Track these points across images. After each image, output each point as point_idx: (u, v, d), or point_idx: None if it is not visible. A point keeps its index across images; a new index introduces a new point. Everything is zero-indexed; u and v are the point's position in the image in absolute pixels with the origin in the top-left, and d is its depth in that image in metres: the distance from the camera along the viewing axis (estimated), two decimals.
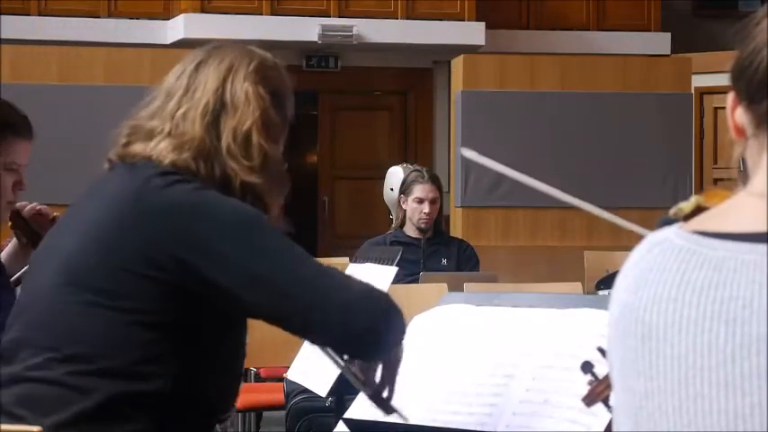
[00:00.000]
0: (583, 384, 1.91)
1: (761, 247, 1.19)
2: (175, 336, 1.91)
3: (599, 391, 1.83)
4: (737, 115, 1.31)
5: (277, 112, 2.07)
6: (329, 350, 2.04)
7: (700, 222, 1.28)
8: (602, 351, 1.66)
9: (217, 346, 1.97)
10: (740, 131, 1.31)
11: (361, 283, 1.94)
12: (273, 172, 2.04)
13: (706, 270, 1.21)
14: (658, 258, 1.26)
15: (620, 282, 1.31)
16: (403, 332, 1.95)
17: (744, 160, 1.33)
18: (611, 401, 1.35)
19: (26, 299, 2.03)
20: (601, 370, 1.84)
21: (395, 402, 2.00)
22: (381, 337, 1.92)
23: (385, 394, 2.00)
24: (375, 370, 1.99)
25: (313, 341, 2.01)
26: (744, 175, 1.32)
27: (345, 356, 2.02)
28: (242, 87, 2.03)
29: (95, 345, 1.89)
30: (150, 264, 1.88)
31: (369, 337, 1.90)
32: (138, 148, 2.01)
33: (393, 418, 2.01)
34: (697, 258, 1.22)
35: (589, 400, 1.84)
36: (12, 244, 2.89)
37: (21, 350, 1.94)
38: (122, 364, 1.88)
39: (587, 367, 1.79)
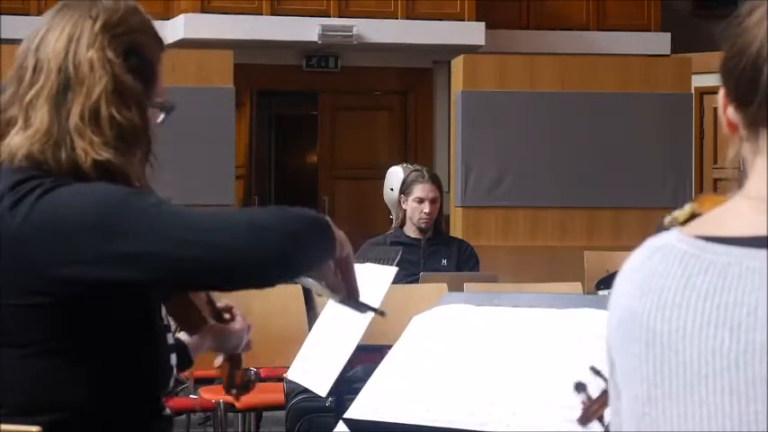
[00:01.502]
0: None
1: (763, 253, 1.19)
2: (79, 358, 1.80)
3: (593, 411, 1.83)
4: (729, 112, 1.30)
5: (133, 74, 1.86)
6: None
7: (700, 226, 1.27)
8: (594, 371, 1.65)
9: (128, 354, 1.86)
10: (733, 127, 1.31)
11: (243, 215, 1.83)
12: (136, 141, 1.85)
13: (710, 275, 1.21)
14: (661, 264, 1.25)
15: (620, 286, 1.30)
16: (325, 237, 1.85)
17: (743, 161, 1.33)
18: (610, 408, 1.35)
19: None
20: (594, 389, 1.83)
21: (365, 300, 1.95)
22: (294, 259, 1.78)
23: (349, 293, 1.92)
24: (336, 275, 1.91)
25: (230, 287, 1.89)
26: (743, 175, 1.31)
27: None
28: (85, 57, 1.84)
29: (3, 386, 1.80)
30: (25, 293, 1.77)
31: (279, 264, 1.77)
32: (2, 144, 1.86)
33: (370, 314, 1.98)
34: (701, 264, 1.22)
35: (584, 419, 1.83)
36: None
37: None
38: (35, 399, 1.80)
39: (580, 387, 1.79)
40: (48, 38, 1.88)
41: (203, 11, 9.70)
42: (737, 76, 1.27)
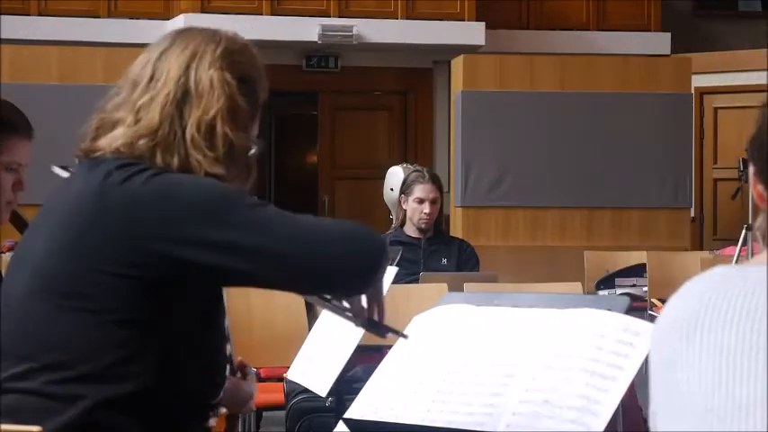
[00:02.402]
0: (582, 384, 1.91)
1: None
2: (151, 331, 1.86)
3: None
4: (759, 187, 1.43)
5: (245, 98, 1.98)
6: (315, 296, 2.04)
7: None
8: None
9: (194, 335, 1.92)
10: (763, 199, 1.44)
11: (338, 225, 1.90)
12: (239, 161, 1.96)
13: (744, 284, 1.34)
14: (702, 282, 1.38)
15: (669, 304, 1.41)
16: (385, 260, 1.93)
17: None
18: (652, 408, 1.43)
19: (5, 305, 1.97)
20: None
21: (388, 324, 2.01)
22: (372, 275, 1.90)
23: (375, 317, 1.98)
24: (362, 299, 1.98)
25: (304, 292, 2.01)
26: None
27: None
28: (206, 74, 1.95)
29: (71, 351, 1.84)
30: (120, 262, 1.83)
31: (362, 278, 1.89)
32: (103, 142, 1.95)
33: (391, 337, 2.02)
34: (735, 277, 1.36)
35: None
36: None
37: (3, 358, 1.90)
38: (101, 367, 1.84)
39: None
40: (169, 51, 1.99)
41: (203, 11, 9.71)
42: (763, 164, 1.40)
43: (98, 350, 1.84)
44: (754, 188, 1.43)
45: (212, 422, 2.40)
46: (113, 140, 1.93)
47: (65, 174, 2.28)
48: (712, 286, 1.34)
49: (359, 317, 1.98)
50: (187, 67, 1.96)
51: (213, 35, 2.02)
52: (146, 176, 1.86)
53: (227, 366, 2.13)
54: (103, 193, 1.87)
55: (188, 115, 1.93)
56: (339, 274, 1.87)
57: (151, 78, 1.97)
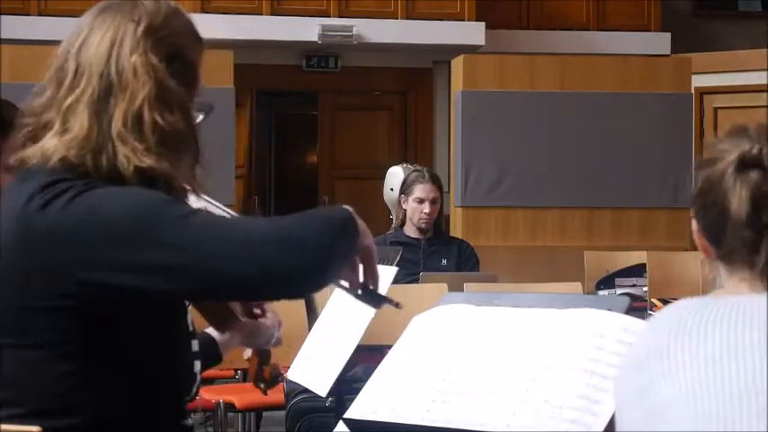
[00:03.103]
0: (582, 384, 1.91)
1: (754, 296, 1.43)
2: (98, 358, 1.78)
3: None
4: (703, 241, 1.54)
5: (176, 78, 1.84)
6: None
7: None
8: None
9: (146, 351, 1.84)
10: (708, 252, 1.54)
11: (275, 229, 1.75)
12: (176, 144, 1.82)
13: (725, 305, 1.41)
14: (675, 310, 1.46)
15: (643, 334, 1.51)
16: (352, 236, 1.81)
17: None
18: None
19: None
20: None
21: (383, 293, 1.94)
22: (306, 280, 1.76)
23: (371, 286, 1.90)
24: (356, 270, 1.87)
25: (261, 300, 1.93)
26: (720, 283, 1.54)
27: None
28: (129, 62, 1.81)
29: (15, 388, 1.78)
30: (50, 295, 1.74)
31: (294, 285, 1.75)
32: (33, 149, 1.83)
33: (386, 306, 1.96)
34: (712, 303, 1.43)
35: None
36: None
37: None
38: (46, 402, 1.78)
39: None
40: (89, 41, 1.85)
41: (203, 11, 9.70)
42: (707, 225, 1.51)
43: (45, 384, 1.78)
44: (699, 241, 1.52)
45: (246, 355, 2.39)
46: (44, 150, 1.82)
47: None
48: (683, 312, 1.42)
49: (354, 287, 1.89)
50: (108, 57, 1.82)
51: (132, 11, 1.86)
52: (65, 199, 1.74)
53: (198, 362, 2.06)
54: (24, 223, 1.76)
55: (114, 110, 1.81)
56: (269, 283, 1.73)
57: (75, 72, 1.84)
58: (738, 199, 1.45)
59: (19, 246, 1.76)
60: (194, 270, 1.70)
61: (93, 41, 1.84)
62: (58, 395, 1.78)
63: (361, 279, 1.90)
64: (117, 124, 1.79)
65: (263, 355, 2.41)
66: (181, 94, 1.85)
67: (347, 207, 1.86)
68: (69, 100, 1.82)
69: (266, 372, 2.42)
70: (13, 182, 1.85)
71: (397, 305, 2.00)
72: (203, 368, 2.09)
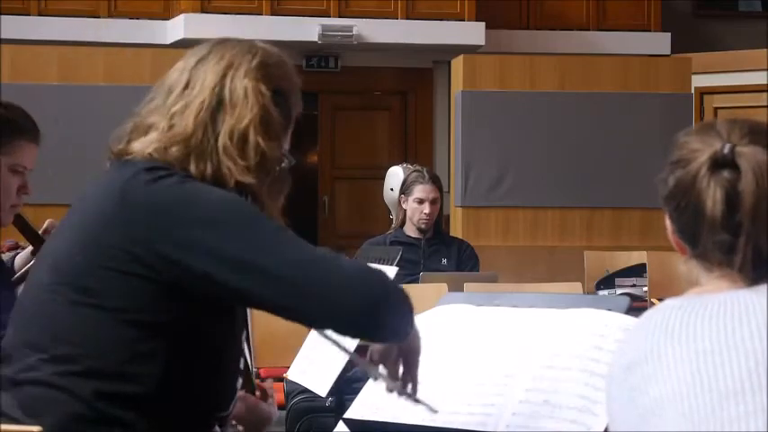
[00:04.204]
0: (582, 384, 1.91)
1: (744, 291, 1.41)
2: (164, 334, 1.86)
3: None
4: (677, 239, 1.54)
5: (279, 110, 2.01)
6: (350, 351, 2.06)
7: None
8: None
9: (207, 344, 1.93)
10: (683, 251, 1.54)
11: (355, 263, 1.90)
12: (271, 172, 1.99)
13: (712, 302, 1.40)
14: (661, 313, 1.45)
15: (629, 338, 1.48)
16: (409, 313, 1.92)
17: None
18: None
19: (22, 300, 2.01)
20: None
21: (421, 396, 1.98)
22: (380, 314, 1.86)
23: (409, 389, 1.97)
24: (397, 364, 1.96)
25: (313, 325, 2.00)
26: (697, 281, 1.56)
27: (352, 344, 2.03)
28: (241, 84, 1.98)
29: (81, 345, 1.86)
30: (136, 262, 1.84)
31: (366, 314, 1.85)
32: (135, 145, 1.97)
33: (421, 409, 1.99)
34: (699, 302, 1.42)
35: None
36: (28, 249, 2.87)
37: (16, 352, 1.92)
38: (109, 364, 1.85)
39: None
40: (207, 61, 2.02)
41: (203, 11, 9.70)
42: (682, 226, 1.50)
43: (107, 348, 1.86)
44: (674, 240, 1.52)
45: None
46: (146, 145, 1.95)
47: None
48: (670, 312, 1.41)
49: (392, 379, 1.98)
50: (223, 77, 1.99)
51: (250, 47, 2.05)
52: (174, 180, 1.88)
53: (241, 379, 2.12)
54: (128, 191, 1.88)
55: (221, 124, 1.96)
56: (335, 313, 1.84)
57: (186, 86, 2.00)
58: (713, 200, 1.44)
59: (118, 213, 1.87)
60: (278, 275, 1.81)
61: (211, 61, 2.01)
62: (118, 360, 1.85)
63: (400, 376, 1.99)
64: (224, 138, 1.95)
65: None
66: (281, 125, 2.01)
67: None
68: (178, 106, 1.97)
69: None
70: (110, 168, 1.99)
71: (434, 411, 2.03)
72: None
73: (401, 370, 1.97)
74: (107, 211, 1.89)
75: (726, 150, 1.47)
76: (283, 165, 2.03)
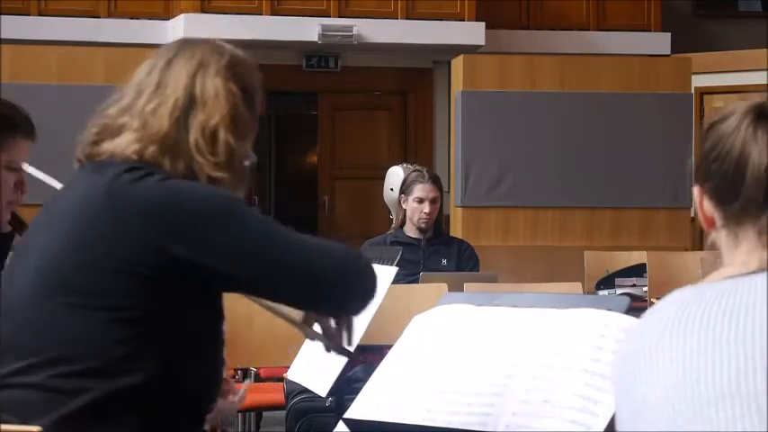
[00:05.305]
0: (582, 384, 1.91)
1: (759, 275, 1.34)
2: (154, 329, 1.90)
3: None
4: (706, 207, 1.46)
5: (247, 109, 2.06)
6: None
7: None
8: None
9: (197, 335, 1.97)
10: (710, 222, 1.46)
11: (332, 245, 2.01)
12: (238, 168, 2.03)
13: (710, 295, 1.34)
14: (663, 305, 1.40)
15: (631, 333, 1.45)
16: (374, 286, 2.03)
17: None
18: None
19: (6, 301, 2.00)
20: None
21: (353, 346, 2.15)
22: (370, 299, 2.02)
23: (345, 341, 2.12)
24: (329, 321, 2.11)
25: (301, 307, 2.10)
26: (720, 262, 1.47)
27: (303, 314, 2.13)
28: (212, 83, 2.03)
29: (75, 345, 1.87)
30: (131, 260, 1.87)
31: (361, 300, 2.02)
32: (106, 146, 2.00)
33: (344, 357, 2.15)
34: (697, 294, 1.36)
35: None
36: None
37: (4, 354, 1.92)
38: (104, 362, 1.87)
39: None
40: (175, 61, 2.06)
41: (203, 11, 9.70)
42: (721, 178, 1.42)
43: (103, 346, 1.88)
44: (703, 208, 1.46)
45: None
46: (120, 145, 1.98)
47: (38, 173, 2.35)
48: (670, 306, 1.37)
49: (328, 339, 2.12)
50: (194, 75, 2.03)
51: (218, 46, 2.09)
52: (156, 179, 1.92)
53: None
54: (114, 193, 1.91)
55: (192, 121, 2.00)
56: (342, 291, 1.98)
57: (158, 85, 2.03)
58: (759, 148, 1.38)
59: (107, 215, 1.90)
60: (272, 260, 1.91)
61: (181, 61, 2.05)
62: (112, 358, 1.88)
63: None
64: (195, 135, 1.99)
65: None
66: (250, 124, 2.07)
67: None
68: (151, 106, 2.01)
69: None
70: (83, 170, 2.02)
71: (355, 356, 2.26)
72: None
73: (333, 325, 2.10)
74: (94, 214, 1.91)
75: None
76: (247, 163, 2.07)
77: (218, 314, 2.03)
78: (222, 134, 2.00)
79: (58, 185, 2.38)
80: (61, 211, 1.97)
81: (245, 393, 2.47)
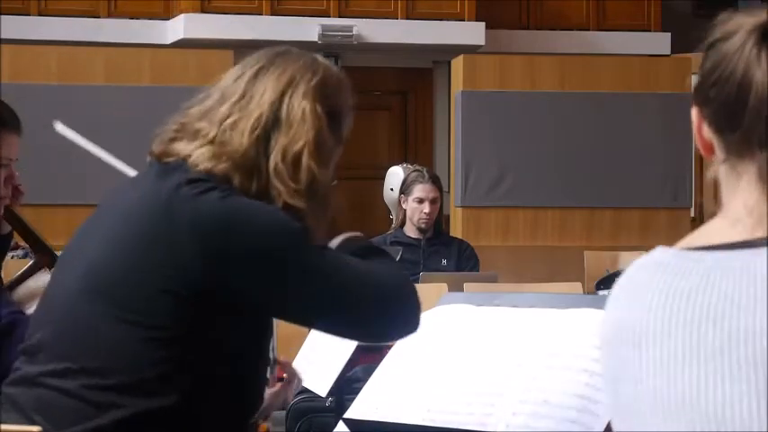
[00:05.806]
0: (582, 384, 1.91)
1: (745, 253, 1.22)
2: (194, 351, 1.85)
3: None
4: (705, 133, 1.31)
5: (332, 134, 1.97)
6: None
7: (684, 242, 1.30)
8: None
9: (236, 357, 1.91)
10: (709, 149, 1.31)
11: (384, 273, 1.95)
12: (319, 196, 1.94)
13: (694, 277, 1.23)
14: (646, 276, 1.28)
15: (610, 304, 1.34)
16: (416, 319, 1.99)
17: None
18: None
19: (51, 299, 1.96)
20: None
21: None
22: (414, 330, 1.98)
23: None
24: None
25: (337, 336, 2.13)
26: (720, 198, 1.34)
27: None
28: (299, 104, 1.93)
29: (111, 359, 1.83)
30: (179, 281, 1.82)
31: (406, 332, 1.99)
32: (179, 146, 1.93)
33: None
34: (684, 269, 1.24)
35: None
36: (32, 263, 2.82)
37: (42, 352, 1.89)
38: (139, 380, 1.83)
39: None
40: (265, 72, 1.96)
41: (203, 11, 9.69)
42: (720, 103, 1.28)
43: (140, 363, 1.83)
44: (701, 135, 1.31)
45: None
46: (192, 151, 1.91)
47: (67, 131, 2.29)
48: (657, 287, 1.25)
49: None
50: (282, 93, 1.94)
51: (312, 63, 2.00)
52: (218, 195, 1.84)
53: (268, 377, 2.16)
54: (172, 207, 1.84)
55: (275, 143, 1.91)
56: (389, 328, 1.96)
57: (242, 96, 1.94)
58: (763, 72, 1.25)
59: (163, 229, 1.83)
60: (325, 299, 1.87)
61: (271, 75, 1.96)
62: (151, 378, 1.82)
63: None
64: (276, 157, 1.90)
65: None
66: (334, 151, 1.99)
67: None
68: (232, 119, 1.91)
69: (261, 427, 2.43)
70: (149, 171, 1.95)
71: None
72: None
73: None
74: (152, 225, 1.85)
75: None
76: (329, 188, 2.01)
77: (263, 338, 1.98)
78: (305, 159, 1.90)
79: (129, 170, 2.32)
80: (117, 214, 1.92)
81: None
